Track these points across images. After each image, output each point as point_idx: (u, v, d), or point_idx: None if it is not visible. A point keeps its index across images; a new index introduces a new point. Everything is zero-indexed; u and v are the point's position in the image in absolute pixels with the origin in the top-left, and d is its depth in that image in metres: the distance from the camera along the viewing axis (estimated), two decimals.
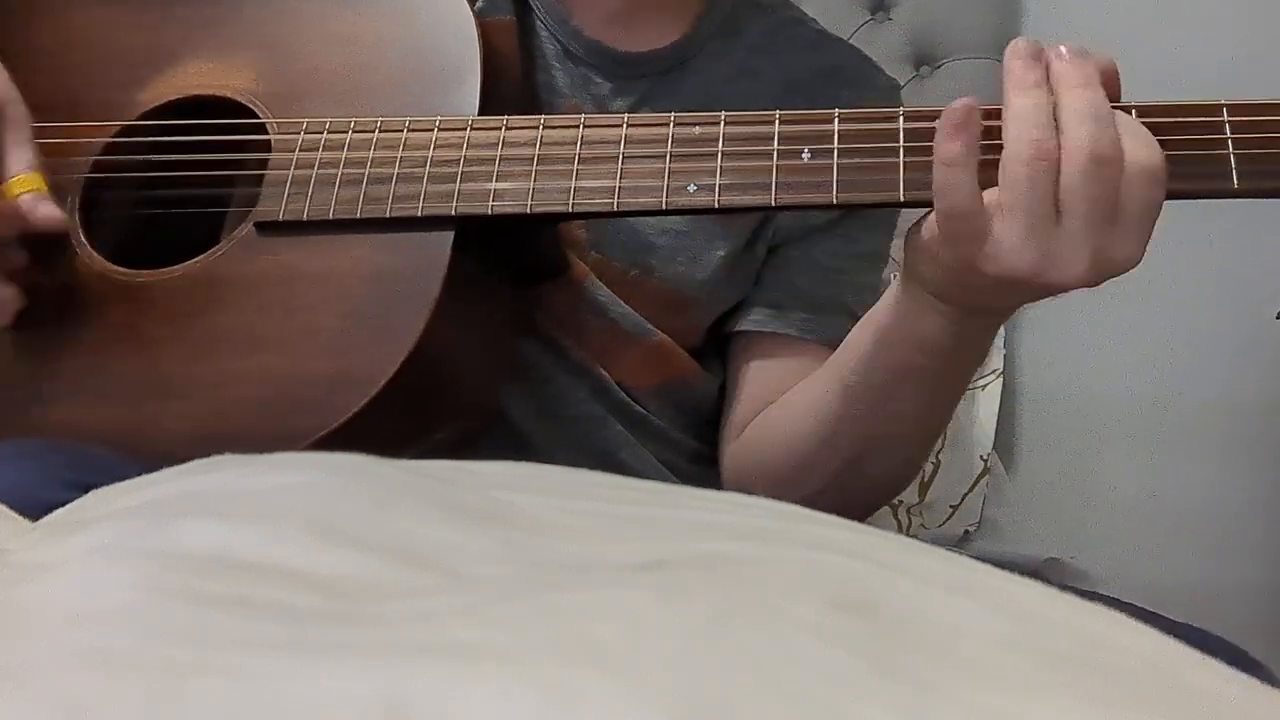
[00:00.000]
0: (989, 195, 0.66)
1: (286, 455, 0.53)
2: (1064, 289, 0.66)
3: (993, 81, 1.58)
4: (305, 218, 0.80)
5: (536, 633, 0.35)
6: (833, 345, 0.94)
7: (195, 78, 0.87)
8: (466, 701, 0.32)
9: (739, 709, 0.32)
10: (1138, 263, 0.66)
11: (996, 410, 1.50)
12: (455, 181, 0.78)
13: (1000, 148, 0.67)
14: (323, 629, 0.37)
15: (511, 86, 0.89)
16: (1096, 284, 0.66)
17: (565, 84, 0.93)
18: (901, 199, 0.73)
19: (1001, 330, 1.54)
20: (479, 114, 0.81)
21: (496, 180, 0.78)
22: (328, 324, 0.78)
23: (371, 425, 0.75)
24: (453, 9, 0.84)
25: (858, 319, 0.95)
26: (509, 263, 0.87)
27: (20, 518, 0.55)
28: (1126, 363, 1.63)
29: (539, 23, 0.95)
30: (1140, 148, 0.65)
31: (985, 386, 1.52)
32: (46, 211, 0.79)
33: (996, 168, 0.67)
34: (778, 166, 0.74)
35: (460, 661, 0.34)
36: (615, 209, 0.76)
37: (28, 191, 0.78)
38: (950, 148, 0.65)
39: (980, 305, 0.72)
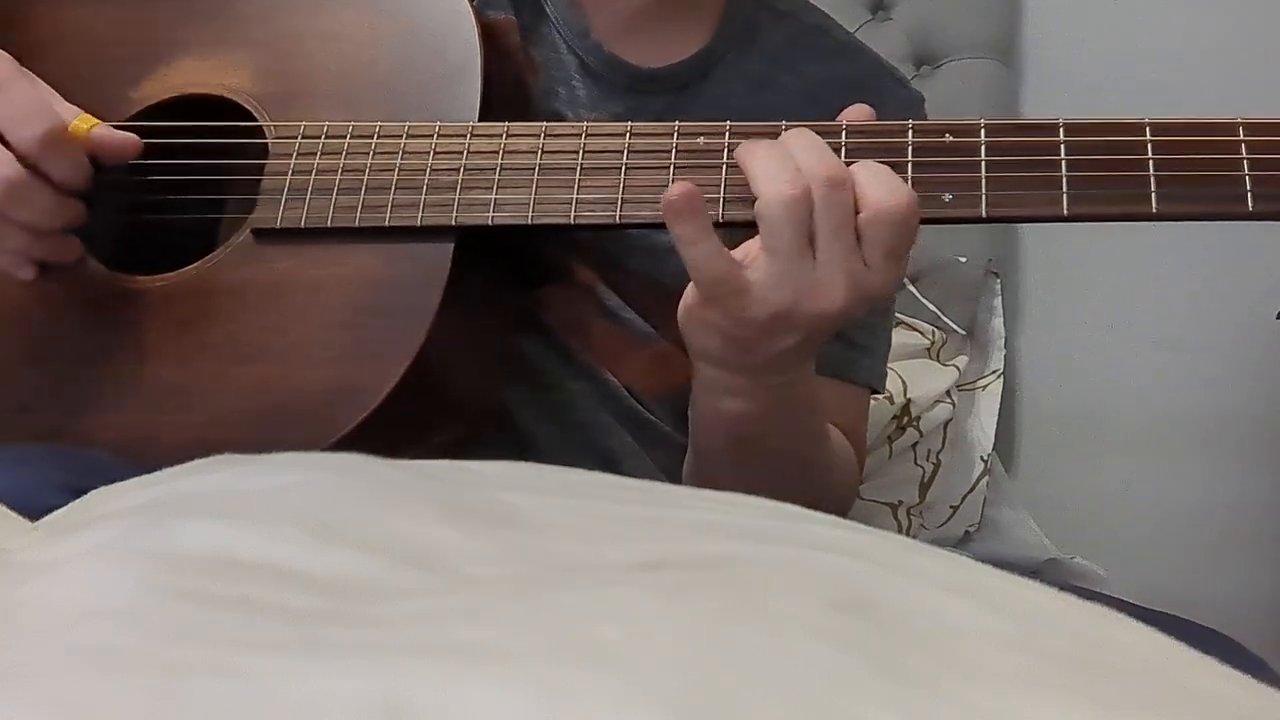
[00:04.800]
0: (746, 248, 0.71)
1: (287, 455, 0.53)
2: (828, 318, 0.70)
3: (993, 81, 1.59)
4: (303, 225, 0.79)
5: (537, 633, 0.35)
6: (826, 373, 0.94)
7: (190, 76, 0.86)
8: (466, 701, 0.32)
9: (739, 709, 0.32)
10: (891, 294, 0.72)
11: (997, 411, 1.49)
12: (455, 191, 0.78)
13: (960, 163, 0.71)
14: (322, 629, 0.37)
15: (514, 86, 0.89)
16: (859, 311, 0.71)
17: (586, 97, 0.92)
18: None
19: (1002, 331, 1.55)
20: (480, 115, 0.81)
21: (497, 190, 0.77)
22: (327, 335, 0.78)
23: (372, 435, 0.74)
24: (453, 8, 0.84)
25: (856, 345, 0.95)
26: (510, 268, 0.86)
27: (20, 518, 0.55)
28: (1127, 363, 1.63)
29: (558, 35, 0.93)
30: (881, 188, 0.69)
31: (986, 387, 1.52)
32: (123, 136, 0.80)
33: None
34: None
35: (460, 661, 0.34)
36: (618, 221, 0.75)
37: (94, 125, 0.79)
38: (682, 231, 0.70)
39: (760, 360, 0.74)
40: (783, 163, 0.69)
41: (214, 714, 0.33)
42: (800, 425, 0.83)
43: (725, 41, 0.94)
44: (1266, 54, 1.55)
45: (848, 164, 0.71)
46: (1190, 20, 1.59)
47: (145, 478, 0.52)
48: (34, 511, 0.55)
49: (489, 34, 0.84)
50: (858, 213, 0.69)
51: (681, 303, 0.74)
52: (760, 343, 0.72)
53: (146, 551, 0.42)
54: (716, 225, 0.74)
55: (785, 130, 0.73)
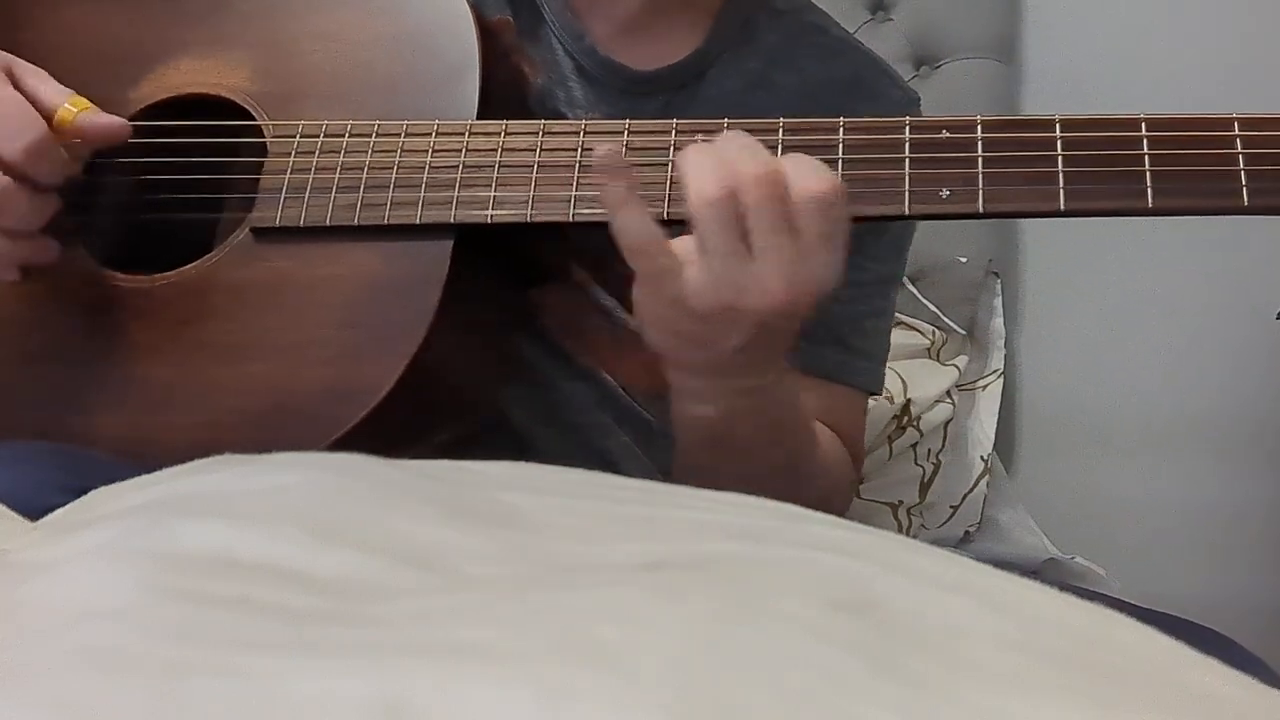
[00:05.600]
0: (685, 242, 0.70)
1: (287, 455, 0.53)
2: (769, 313, 0.69)
3: (992, 81, 1.59)
4: (302, 224, 0.79)
5: (536, 633, 0.35)
6: (820, 376, 0.93)
7: (189, 75, 0.86)
8: (466, 701, 0.32)
9: (738, 709, 0.32)
10: (832, 284, 0.70)
11: (997, 411, 1.49)
12: (454, 189, 0.78)
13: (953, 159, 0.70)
14: (323, 629, 0.37)
15: (512, 86, 0.89)
16: (804, 306, 0.70)
17: (583, 99, 0.92)
18: (907, 211, 0.72)
19: (1002, 331, 1.54)
20: (479, 112, 0.81)
21: (496, 188, 0.77)
22: (326, 333, 0.78)
23: (371, 434, 0.74)
24: (451, 8, 0.84)
25: (851, 348, 0.95)
26: (509, 265, 0.86)
27: (20, 518, 0.55)
28: (1127, 363, 1.63)
29: (554, 38, 0.93)
30: (806, 176, 0.69)
31: (986, 387, 1.52)
32: (108, 120, 0.80)
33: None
34: None
35: (460, 661, 0.34)
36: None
37: (84, 109, 0.79)
38: (614, 194, 0.69)
39: (715, 357, 0.73)
40: (712, 163, 0.69)
41: (214, 714, 0.33)
42: (779, 435, 0.82)
43: (721, 42, 0.94)
44: (1266, 54, 1.55)
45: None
46: (1190, 20, 1.59)
47: (145, 478, 0.52)
48: (34, 511, 0.55)
49: (487, 34, 0.84)
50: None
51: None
52: (704, 339, 0.72)
53: (146, 551, 0.42)
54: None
55: (674, 135, 0.74)
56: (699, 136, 0.76)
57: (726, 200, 0.68)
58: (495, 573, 0.41)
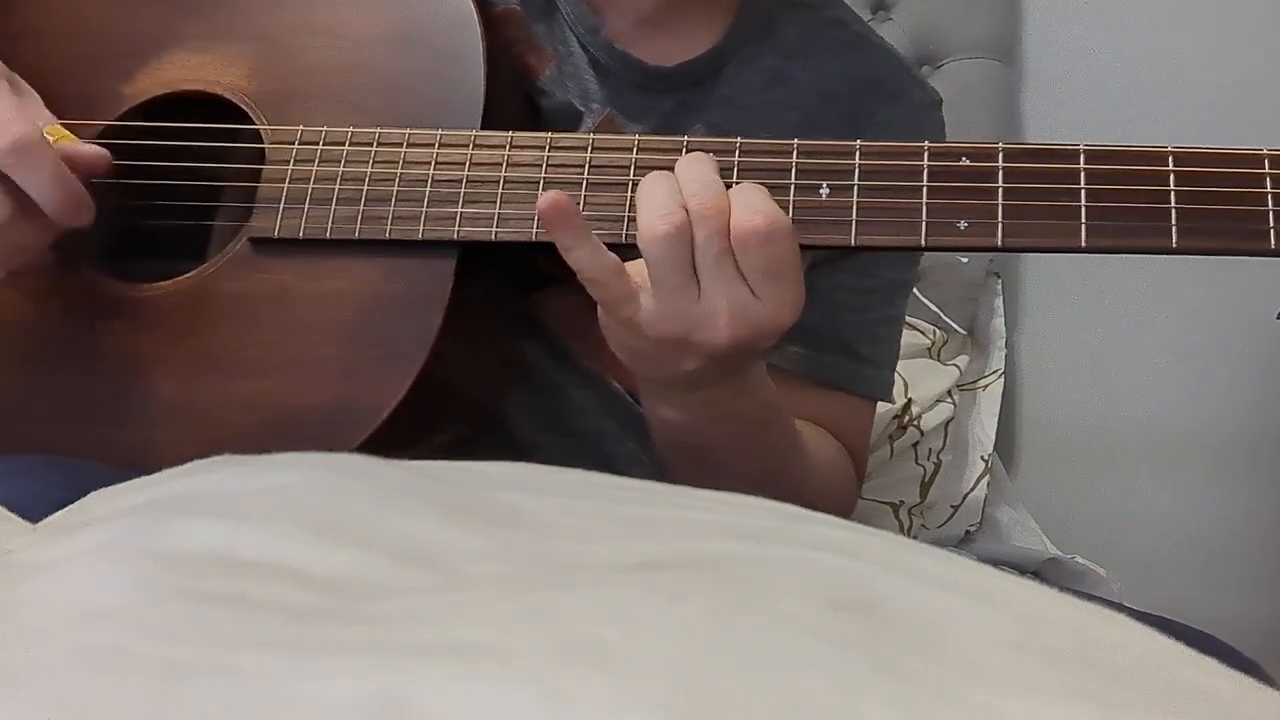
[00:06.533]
0: (641, 265, 0.69)
1: (286, 455, 0.53)
2: (716, 348, 0.69)
3: (993, 81, 1.59)
4: (301, 235, 0.78)
5: (536, 632, 0.35)
6: (827, 384, 0.93)
7: (185, 72, 0.84)
8: (466, 701, 0.32)
9: (738, 709, 0.32)
10: (788, 321, 0.70)
11: (997, 411, 1.49)
12: (457, 204, 0.76)
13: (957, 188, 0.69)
14: (322, 628, 0.37)
15: (518, 79, 0.88)
16: (759, 341, 0.70)
17: (598, 93, 0.91)
18: (923, 243, 0.70)
19: (1003, 330, 1.54)
20: (484, 109, 0.79)
21: (501, 204, 0.76)
22: (327, 351, 0.77)
23: (374, 446, 0.74)
24: (454, 3, 0.82)
25: (860, 356, 0.94)
26: (512, 270, 0.85)
27: (20, 519, 0.55)
28: (1128, 363, 1.63)
29: (569, 30, 0.91)
30: (746, 213, 0.68)
31: (986, 387, 1.52)
32: (88, 150, 0.78)
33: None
34: (794, 203, 0.71)
35: (460, 661, 0.34)
36: (624, 239, 0.73)
37: (62, 139, 0.77)
38: (558, 237, 0.69)
39: (668, 376, 0.73)
40: (666, 196, 0.68)
41: (214, 714, 0.33)
42: (753, 440, 0.81)
43: (739, 37, 0.92)
44: (1266, 54, 1.54)
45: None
46: (1189, 20, 1.59)
47: (144, 479, 0.52)
48: (32, 523, 0.55)
49: (491, 27, 0.82)
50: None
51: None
52: (660, 361, 0.72)
53: (146, 551, 0.42)
54: None
55: (685, 152, 0.72)
56: (710, 155, 0.75)
57: (673, 236, 0.67)
58: (495, 573, 0.41)
